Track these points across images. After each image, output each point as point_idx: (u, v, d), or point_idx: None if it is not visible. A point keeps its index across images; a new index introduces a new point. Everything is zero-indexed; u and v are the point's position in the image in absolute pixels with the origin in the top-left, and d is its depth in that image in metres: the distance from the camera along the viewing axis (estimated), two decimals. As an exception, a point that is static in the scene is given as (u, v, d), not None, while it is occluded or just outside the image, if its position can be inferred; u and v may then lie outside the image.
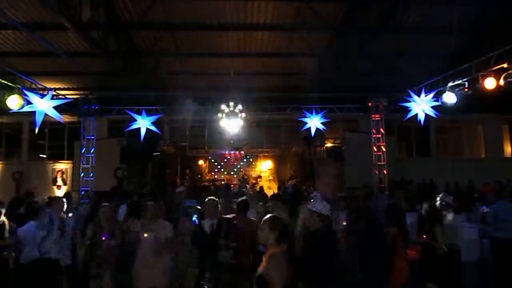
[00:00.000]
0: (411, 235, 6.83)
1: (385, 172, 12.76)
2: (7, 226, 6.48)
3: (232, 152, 17.39)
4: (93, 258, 5.30)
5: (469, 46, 12.04)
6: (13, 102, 7.59)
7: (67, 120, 13.47)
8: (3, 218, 6.48)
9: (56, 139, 17.83)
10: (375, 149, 12.87)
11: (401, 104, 10.35)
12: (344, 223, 6.70)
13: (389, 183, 12.74)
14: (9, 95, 7.56)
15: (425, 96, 9.60)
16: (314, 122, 11.98)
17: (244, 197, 6.19)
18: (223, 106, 11.68)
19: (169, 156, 16.23)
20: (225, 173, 17.87)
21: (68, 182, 17.01)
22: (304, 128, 12.25)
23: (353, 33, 11.65)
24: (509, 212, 6.60)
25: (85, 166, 12.44)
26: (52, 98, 8.35)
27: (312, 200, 4.06)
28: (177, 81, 15.18)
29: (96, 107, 12.40)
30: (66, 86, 15.68)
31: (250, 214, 5.71)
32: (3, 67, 9.23)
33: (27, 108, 7.89)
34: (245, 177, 16.88)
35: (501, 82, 7.52)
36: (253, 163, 18.24)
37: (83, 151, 12.53)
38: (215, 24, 11.55)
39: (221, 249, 5.04)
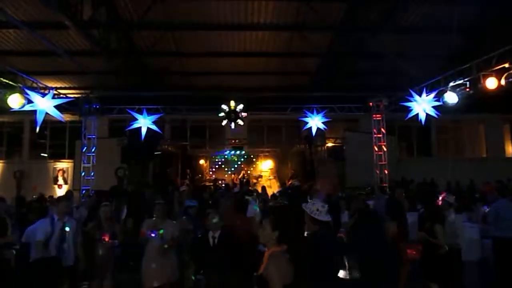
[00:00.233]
0: (411, 234, 6.83)
1: (386, 172, 12.75)
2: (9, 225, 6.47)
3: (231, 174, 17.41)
4: (94, 259, 5.32)
5: (470, 45, 12.02)
6: (14, 101, 7.61)
7: (68, 119, 13.47)
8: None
9: (57, 138, 17.86)
10: (376, 149, 12.86)
11: (402, 104, 10.34)
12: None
13: (390, 183, 12.73)
14: (10, 94, 7.59)
15: (426, 96, 9.59)
16: (314, 122, 11.98)
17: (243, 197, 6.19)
18: (223, 106, 11.68)
19: (170, 156, 16.23)
20: (229, 172, 17.84)
21: (69, 181, 17.03)
22: (305, 127, 12.26)
23: (353, 32, 11.64)
24: (510, 211, 6.59)
25: (86, 165, 12.45)
26: (53, 97, 8.37)
27: (310, 201, 3.94)
28: (177, 80, 15.20)
29: (97, 106, 12.41)
30: (67, 85, 15.70)
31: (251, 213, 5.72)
32: (4, 66, 9.23)
33: (28, 107, 7.91)
34: (246, 176, 16.88)
35: (502, 82, 7.51)
36: (254, 163, 18.23)
37: (84, 150, 12.53)
38: (215, 23, 11.55)
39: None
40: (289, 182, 14.78)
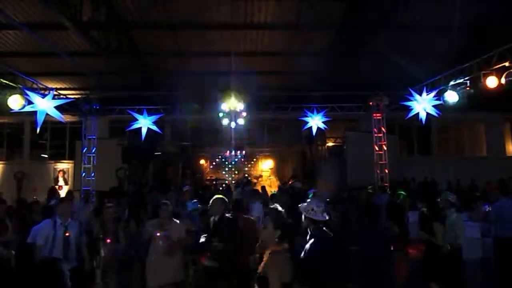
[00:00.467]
0: (412, 233, 6.82)
1: (386, 171, 12.72)
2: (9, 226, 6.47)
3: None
4: (97, 260, 5.32)
5: (470, 44, 11.98)
6: (15, 102, 7.60)
7: (68, 120, 13.47)
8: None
9: (57, 139, 17.88)
10: (377, 148, 12.83)
11: (402, 103, 10.33)
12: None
13: (390, 182, 12.71)
14: (10, 95, 7.57)
15: (427, 95, 9.58)
16: (315, 121, 11.97)
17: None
18: (224, 106, 11.66)
19: (170, 156, 16.22)
20: (231, 172, 17.85)
21: (69, 182, 17.03)
22: (305, 127, 12.24)
23: (353, 32, 11.63)
24: None
25: (86, 165, 12.43)
26: (53, 98, 8.35)
27: (308, 200, 3.89)
28: (177, 80, 15.18)
29: (97, 107, 12.38)
30: (67, 86, 15.70)
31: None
32: (4, 67, 9.25)
33: (28, 108, 7.90)
34: (247, 176, 16.88)
35: (503, 80, 7.49)
36: (254, 163, 18.23)
37: (84, 150, 12.51)
38: (216, 23, 11.54)
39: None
40: (290, 182, 14.79)
